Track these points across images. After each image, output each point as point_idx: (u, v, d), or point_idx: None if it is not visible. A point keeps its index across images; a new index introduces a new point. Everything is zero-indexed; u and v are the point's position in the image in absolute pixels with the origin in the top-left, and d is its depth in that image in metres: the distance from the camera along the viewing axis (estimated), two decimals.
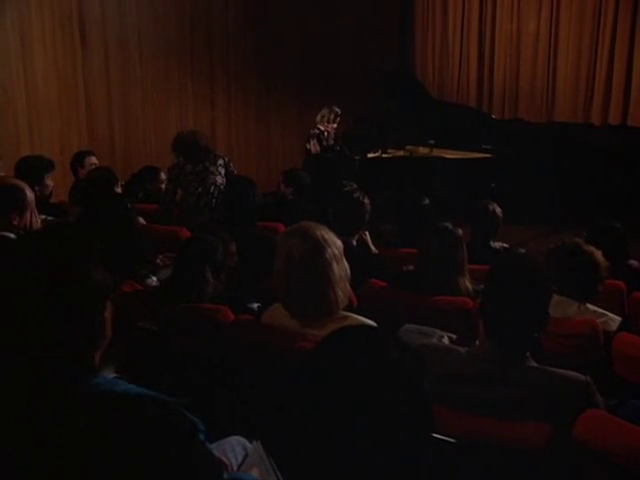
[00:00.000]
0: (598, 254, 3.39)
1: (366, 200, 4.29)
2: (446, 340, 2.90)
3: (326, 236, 2.50)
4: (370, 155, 7.87)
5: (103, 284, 1.61)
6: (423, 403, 1.23)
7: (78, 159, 6.05)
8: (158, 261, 4.09)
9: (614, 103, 9.72)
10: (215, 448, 2.26)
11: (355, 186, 4.44)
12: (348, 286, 2.56)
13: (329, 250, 2.47)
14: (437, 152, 7.92)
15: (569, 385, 2.13)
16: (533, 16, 10.19)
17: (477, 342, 2.33)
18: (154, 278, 3.67)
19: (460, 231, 3.70)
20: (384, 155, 7.90)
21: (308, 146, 7.73)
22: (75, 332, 1.51)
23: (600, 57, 9.76)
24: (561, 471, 2.03)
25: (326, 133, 7.81)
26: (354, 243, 4.19)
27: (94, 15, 7.62)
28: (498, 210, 4.71)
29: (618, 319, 3.30)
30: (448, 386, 2.20)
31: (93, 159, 6.05)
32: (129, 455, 1.46)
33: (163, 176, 6.12)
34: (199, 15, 8.63)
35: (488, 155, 7.81)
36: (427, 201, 4.73)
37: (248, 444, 2.23)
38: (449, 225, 3.66)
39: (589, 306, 3.30)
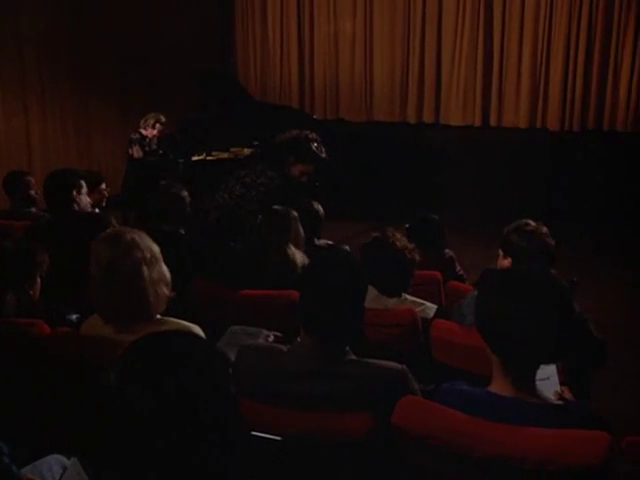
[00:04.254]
0: (404, 243, 3.49)
1: (184, 193, 4.34)
2: (272, 339, 2.92)
3: (137, 240, 2.45)
4: (194, 158, 7.79)
5: None
6: (230, 404, 1.23)
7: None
8: None
9: (427, 102, 10.21)
10: (30, 470, 2.15)
11: (173, 182, 4.47)
12: (165, 290, 2.51)
13: (139, 253, 2.42)
14: None
15: (387, 375, 2.19)
16: (349, 17, 10.48)
17: (299, 339, 2.35)
18: None
19: (295, 213, 3.88)
20: (209, 157, 7.85)
21: (130, 151, 7.69)
22: None
23: (412, 57, 10.21)
24: (383, 457, 2.09)
25: (148, 138, 7.77)
26: (182, 231, 4.24)
27: None
28: (320, 209, 4.81)
29: (434, 307, 3.46)
30: (272, 385, 2.21)
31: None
32: None
33: None
34: (6, 17, 8.13)
35: None
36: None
37: (67, 461, 2.15)
38: (282, 208, 3.87)
39: (407, 296, 3.44)
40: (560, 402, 2.09)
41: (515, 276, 2.02)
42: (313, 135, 4.54)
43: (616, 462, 1.76)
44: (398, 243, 3.44)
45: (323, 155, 4.52)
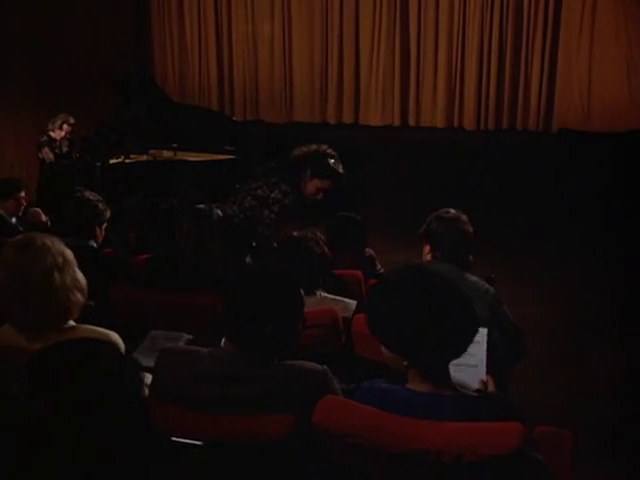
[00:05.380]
0: (310, 243, 3.50)
1: (94, 199, 4.17)
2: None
3: (49, 244, 2.40)
4: (112, 161, 7.64)
5: None
6: (139, 410, 1.22)
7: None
8: None
9: (346, 103, 10.30)
10: None
11: (86, 190, 4.30)
12: (79, 296, 2.45)
13: (50, 258, 2.37)
14: (181, 155, 7.89)
15: (307, 376, 2.20)
16: (267, 18, 10.49)
17: (222, 341, 2.33)
18: None
19: (219, 211, 3.75)
20: (127, 160, 7.72)
21: (40, 155, 7.54)
22: None
23: (331, 58, 10.29)
24: (305, 458, 2.10)
25: (57, 140, 7.65)
26: (94, 245, 4.04)
27: None
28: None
29: (354, 302, 3.47)
30: (193, 389, 2.18)
31: None
32: None
33: None
34: None
35: (231, 156, 7.91)
36: (168, 205, 4.68)
37: None
38: (206, 206, 3.72)
39: (326, 294, 3.45)
40: (476, 394, 2.13)
41: (401, 282, 2.03)
42: (331, 150, 4.44)
43: (528, 451, 1.81)
44: (304, 241, 3.45)
45: (341, 171, 4.40)
